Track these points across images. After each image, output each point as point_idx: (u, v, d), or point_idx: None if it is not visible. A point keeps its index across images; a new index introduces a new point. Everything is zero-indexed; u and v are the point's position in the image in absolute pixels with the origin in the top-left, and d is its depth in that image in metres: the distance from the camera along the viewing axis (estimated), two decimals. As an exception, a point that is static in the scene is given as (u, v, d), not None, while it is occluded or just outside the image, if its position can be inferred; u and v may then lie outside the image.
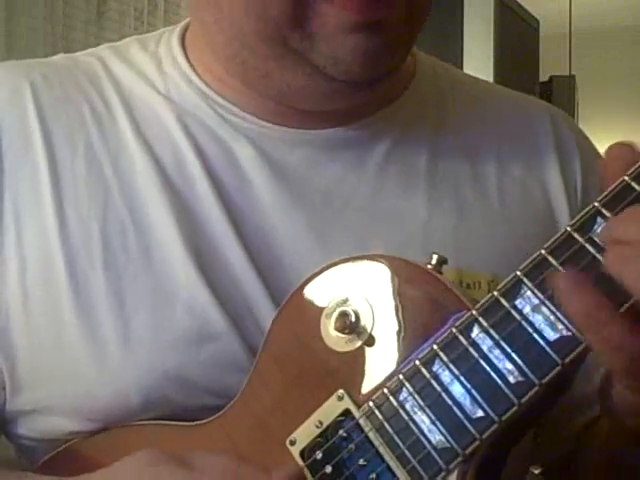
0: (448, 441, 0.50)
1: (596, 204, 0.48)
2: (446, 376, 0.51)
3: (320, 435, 0.56)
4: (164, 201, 0.66)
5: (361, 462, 0.54)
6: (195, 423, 0.63)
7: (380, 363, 0.55)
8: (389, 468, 0.53)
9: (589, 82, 4.51)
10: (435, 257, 0.56)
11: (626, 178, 0.48)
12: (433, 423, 0.51)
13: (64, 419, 0.66)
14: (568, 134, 0.79)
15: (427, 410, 0.52)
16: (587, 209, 0.49)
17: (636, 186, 0.47)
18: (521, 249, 0.70)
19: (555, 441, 0.75)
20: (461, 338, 0.51)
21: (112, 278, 0.65)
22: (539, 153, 0.76)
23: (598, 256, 0.47)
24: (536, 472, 0.74)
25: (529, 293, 0.49)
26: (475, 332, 0.51)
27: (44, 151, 0.67)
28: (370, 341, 0.56)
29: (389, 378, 0.54)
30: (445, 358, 0.52)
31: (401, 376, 0.53)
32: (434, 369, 0.52)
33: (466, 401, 0.50)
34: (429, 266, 0.56)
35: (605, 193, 0.48)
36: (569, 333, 0.48)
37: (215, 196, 0.67)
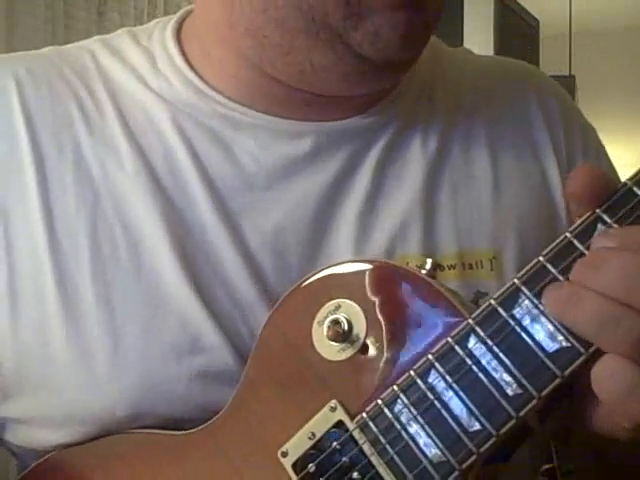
0: (444, 455, 0.49)
1: (597, 210, 0.47)
2: (442, 388, 0.50)
3: (313, 447, 0.54)
4: (155, 208, 0.64)
5: (355, 476, 0.52)
6: (185, 432, 0.61)
7: (374, 373, 0.54)
8: (383, 482, 0.51)
9: (589, 82, 4.50)
10: (429, 262, 0.55)
11: (628, 183, 0.46)
12: (429, 436, 0.50)
13: (49, 430, 0.64)
14: (550, 99, 0.78)
15: (423, 423, 0.50)
16: (587, 215, 0.48)
17: (638, 191, 0.46)
18: (520, 223, 0.70)
19: None
20: (457, 348, 0.50)
21: (101, 288, 0.63)
22: (528, 124, 0.76)
23: None
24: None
25: (527, 302, 0.48)
26: (472, 342, 0.49)
27: (31, 153, 0.65)
28: (363, 350, 0.54)
29: (383, 389, 0.53)
30: (441, 369, 0.50)
31: (396, 387, 0.52)
32: (430, 380, 0.50)
33: (463, 414, 0.49)
34: (423, 271, 0.55)
35: (607, 198, 0.47)
36: (569, 344, 0.46)
37: (211, 201, 0.65)
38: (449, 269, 0.66)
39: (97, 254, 0.63)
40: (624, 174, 0.79)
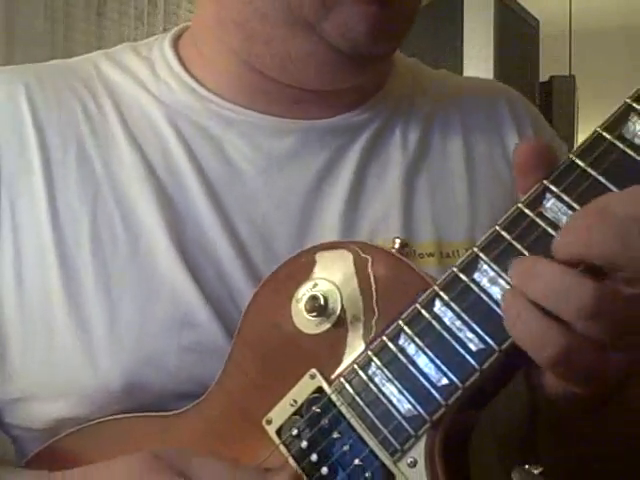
0: (416, 409, 0.53)
1: (545, 181, 0.51)
2: (412, 349, 0.54)
3: (295, 413, 0.59)
4: (150, 195, 0.70)
5: (335, 435, 0.57)
6: (175, 412, 0.65)
7: (349, 342, 0.59)
8: (361, 439, 0.55)
9: (589, 82, 4.50)
10: (398, 241, 0.60)
11: (571, 156, 0.51)
12: (401, 393, 0.54)
13: (49, 405, 0.68)
14: (521, 109, 0.84)
15: (395, 382, 0.54)
16: (536, 187, 0.52)
17: (580, 162, 0.50)
18: (493, 215, 0.72)
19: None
20: (424, 312, 0.54)
21: (100, 268, 0.68)
22: (500, 128, 0.81)
23: (548, 229, 0.50)
24: (536, 472, 0.75)
25: (486, 267, 0.52)
26: (437, 306, 0.54)
27: (38, 150, 0.71)
28: (339, 322, 0.59)
29: (358, 355, 0.57)
30: (410, 332, 0.54)
31: (369, 352, 0.56)
32: (400, 343, 0.55)
33: (431, 371, 0.53)
34: (393, 250, 0.60)
35: (552, 170, 0.51)
36: None
37: (203, 189, 0.70)
38: (428, 256, 0.71)
39: (97, 239, 0.69)
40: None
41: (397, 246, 0.60)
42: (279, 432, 0.59)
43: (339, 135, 0.74)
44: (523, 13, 3.56)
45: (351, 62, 0.69)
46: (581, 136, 3.94)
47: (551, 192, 0.51)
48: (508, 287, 0.51)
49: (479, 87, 0.87)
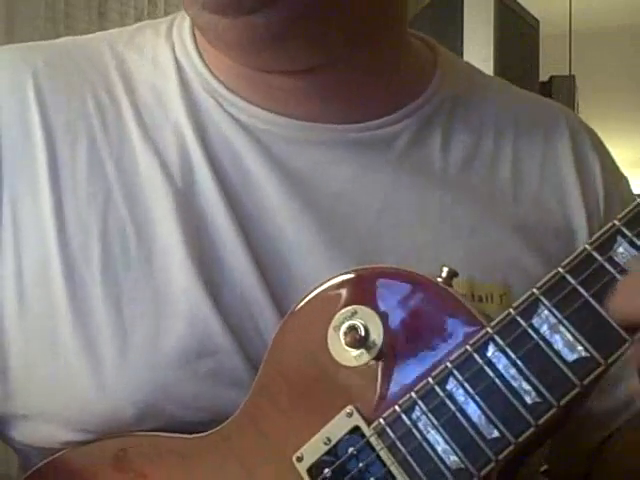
0: (463, 462, 0.49)
1: (617, 222, 0.47)
2: (460, 395, 0.50)
3: (328, 452, 0.54)
4: (168, 205, 0.64)
5: (372, 482, 0.53)
6: (196, 436, 0.61)
7: (391, 379, 0.54)
8: (402, 489, 0.51)
9: (589, 82, 4.49)
10: (445, 270, 0.55)
11: None
12: (447, 443, 0.50)
13: (56, 428, 0.63)
14: (586, 142, 0.77)
15: (441, 430, 0.50)
16: (607, 227, 0.48)
17: None
18: (536, 260, 0.68)
19: (568, 457, 0.73)
20: (476, 357, 0.50)
21: (110, 285, 0.62)
22: (556, 161, 0.74)
23: (618, 276, 0.46)
24: (540, 470, 0.73)
25: (547, 312, 0.48)
26: (491, 351, 0.50)
27: (44, 145, 0.65)
28: (380, 356, 0.54)
29: (401, 395, 0.53)
30: (460, 377, 0.50)
31: (414, 394, 0.52)
32: (448, 388, 0.51)
33: (481, 421, 0.49)
34: (439, 279, 0.55)
35: (626, 211, 0.47)
36: (588, 354, 0.47)
37: (223, 201, 0.64)
38: None
39: (107, 249, 0.63)
40: (624, 174, 0.79)
41: (444, 275, 0.55)
42: (310, 471, 0.55)
43: (365, 149, 0.68)
44: (523, 13, 3.54)
45: (225, 17, 0.60)
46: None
47: (623, 235, 0.47)
48: (569, 336, 0.47)
49: (539, 106, 0.79)
